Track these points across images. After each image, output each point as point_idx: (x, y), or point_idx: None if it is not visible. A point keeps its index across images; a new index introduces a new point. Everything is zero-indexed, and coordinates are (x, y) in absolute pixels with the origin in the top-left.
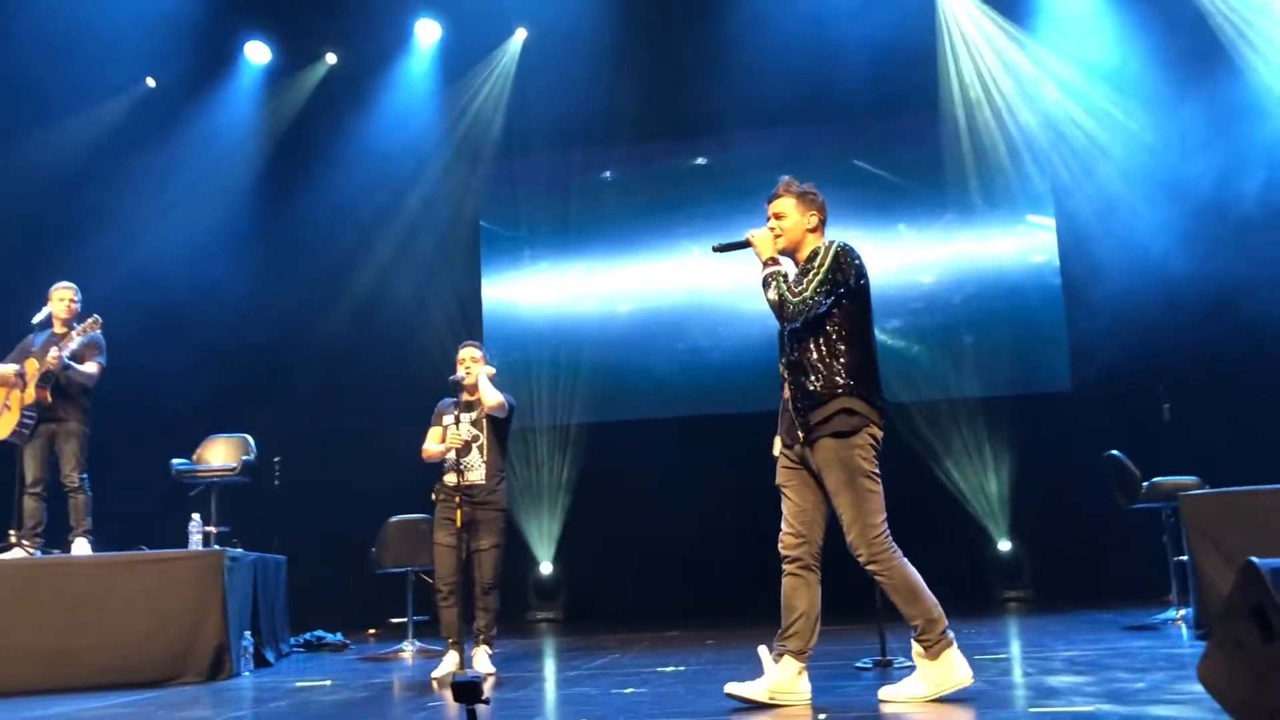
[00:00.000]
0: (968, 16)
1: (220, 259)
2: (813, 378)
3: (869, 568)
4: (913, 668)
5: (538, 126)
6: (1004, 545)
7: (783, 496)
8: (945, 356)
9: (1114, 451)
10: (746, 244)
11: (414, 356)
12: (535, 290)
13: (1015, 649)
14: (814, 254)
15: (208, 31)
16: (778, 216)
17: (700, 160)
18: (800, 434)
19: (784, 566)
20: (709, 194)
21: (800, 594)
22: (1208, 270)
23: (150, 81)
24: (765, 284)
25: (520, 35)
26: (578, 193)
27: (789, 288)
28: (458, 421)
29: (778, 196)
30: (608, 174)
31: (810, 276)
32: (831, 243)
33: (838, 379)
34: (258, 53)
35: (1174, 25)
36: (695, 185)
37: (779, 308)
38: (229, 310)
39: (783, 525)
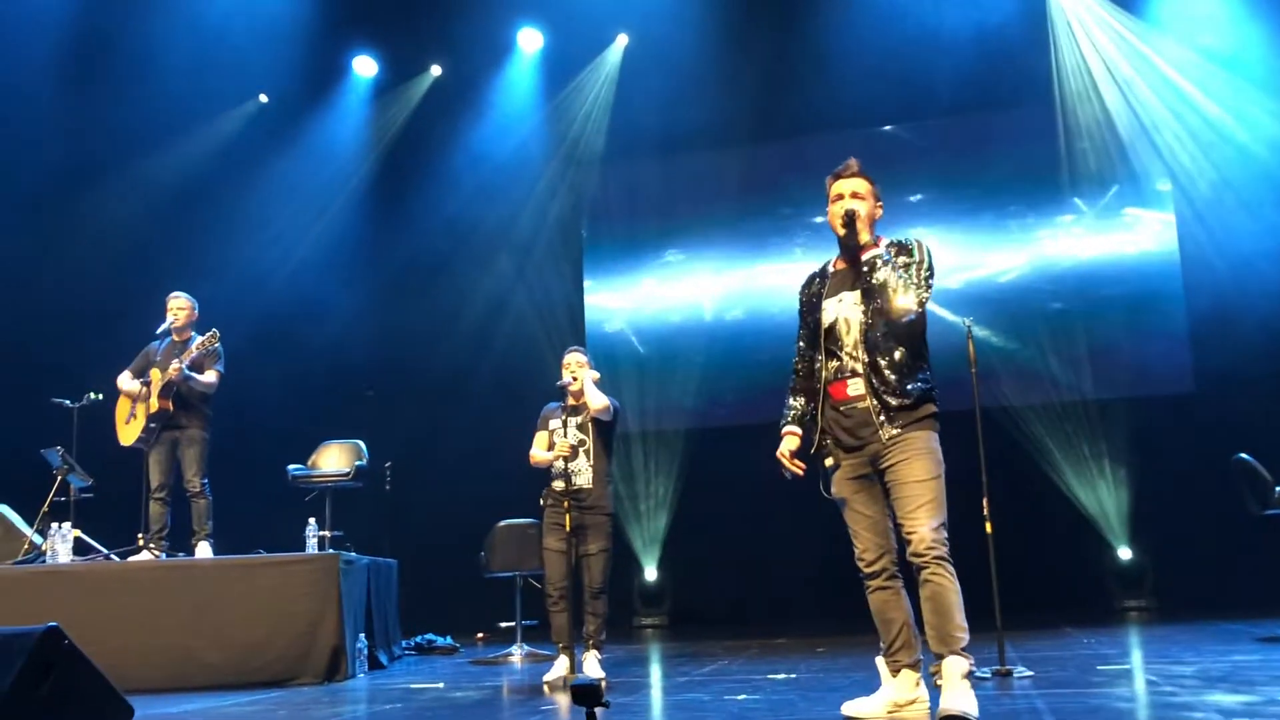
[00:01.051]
0: (1079, 3)
1: (334, 268)
2: (909, 378)
3: (936, 563)
4: (1033, 677)
5: (639, 132)
6: (1124, 553)
7: (849, 512)
8: (1061, 357)
9: (1243, 455)
10: (853, 220)
11: (519, 361)
12: (637, 296)
13: (1137, 658)
14: (902, 246)
15: (318, 47)
16: (857, 196)
17: (802, 161)
18: (884, 433)
19: (869, 583)
20: (812, 196)
21: (894, 606)
22: None
23: (263, 97)
24: (872, 268)
25: (621, 41)
26: (679, 197)
27: (909, 278)
28: (565, 426)
29: (855, 174)
30: (709, 178)
31: (916, 271)
32: (918, 239)
33: (928, 384)
34: (365, 66)
35: None
36: (798, 187)
37: (901, 298)
38: (340, 318)
39: (856, 542)
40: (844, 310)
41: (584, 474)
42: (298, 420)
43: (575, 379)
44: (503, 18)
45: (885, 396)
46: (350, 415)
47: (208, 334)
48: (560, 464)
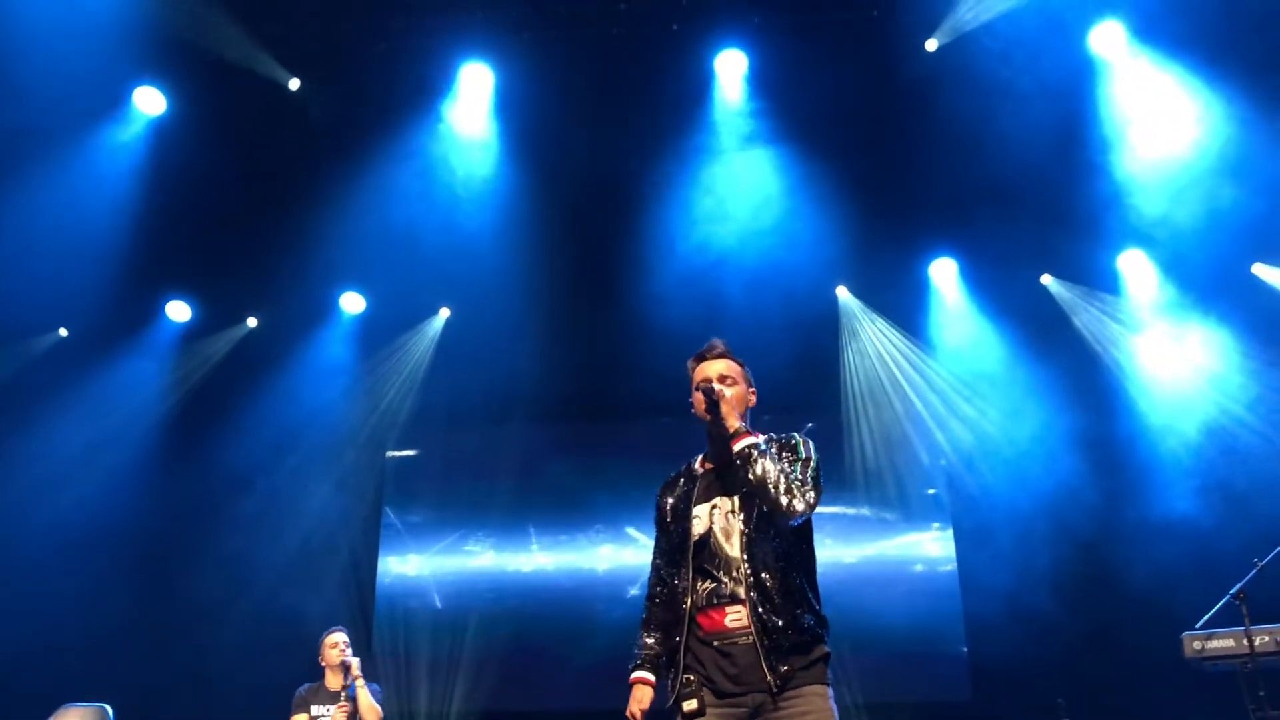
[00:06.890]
0: (864, 321)
1: (107, 520)
2: (803, 608)
3: None
4: None
5: (452, 400)
6: None
7: None
8: (840, 659)
9: None
10: (717, 402)
11: (298, 631)
12: (437, 566)
13: None
14: (785, 442)
15: (132, 287)
16: (725, 380)
17: (609, 444)
18: (773, 679)
19: None
20: (619, 478)
21: None
22: (1104, 577)
23: (62, 331)
24: (748, 459)
25: (444, 314)
26: (488, 468)
27: (796, 474)
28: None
29: (723, 355)
30: (521, 451)
31: (803, 468)
32: (802, 435)
33: (822, 614)
34: (179, 311)
35: (1054, 343)
36: (608, 469)
37: (787, 496)
38: (107, 570)
39: None
40: (719, 519)
41: None
42: (43, 680)
43: (345, 661)
44: (326, 278)
45: (775, 632)
46: (103, 673)
47: None
48: None
